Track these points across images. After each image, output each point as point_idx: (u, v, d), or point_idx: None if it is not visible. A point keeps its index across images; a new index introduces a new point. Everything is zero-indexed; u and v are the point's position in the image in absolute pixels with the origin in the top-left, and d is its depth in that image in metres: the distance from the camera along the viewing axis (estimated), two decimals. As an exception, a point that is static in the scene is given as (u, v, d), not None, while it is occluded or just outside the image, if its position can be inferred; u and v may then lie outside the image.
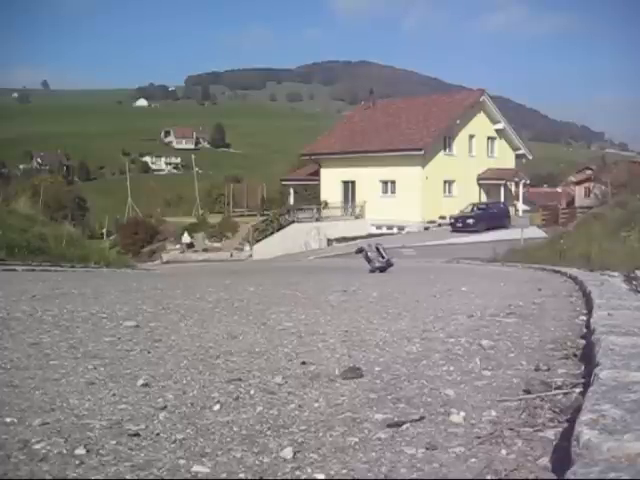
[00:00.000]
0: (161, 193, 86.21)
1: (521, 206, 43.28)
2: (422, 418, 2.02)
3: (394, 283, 7.93)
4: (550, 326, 3.81)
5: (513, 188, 42.92)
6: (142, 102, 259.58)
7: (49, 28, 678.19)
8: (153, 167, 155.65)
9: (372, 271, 10.88)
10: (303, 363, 2.83)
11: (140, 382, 2.47)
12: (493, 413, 2.06)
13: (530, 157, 46.44)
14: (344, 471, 1.62)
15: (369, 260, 11.23)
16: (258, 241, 35.52)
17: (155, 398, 2.27)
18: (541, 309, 4.70)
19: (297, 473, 1.61)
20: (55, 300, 5.12)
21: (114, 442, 1.80)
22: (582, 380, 2.36)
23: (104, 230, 60.14)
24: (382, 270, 10.89)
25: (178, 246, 39.47)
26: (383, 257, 11.14)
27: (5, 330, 3.60)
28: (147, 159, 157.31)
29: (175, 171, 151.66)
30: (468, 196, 39.31)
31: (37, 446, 1.75)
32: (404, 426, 1.95)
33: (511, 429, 1.89)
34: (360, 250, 12.18)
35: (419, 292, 6.40)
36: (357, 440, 1.84)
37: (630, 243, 11.08)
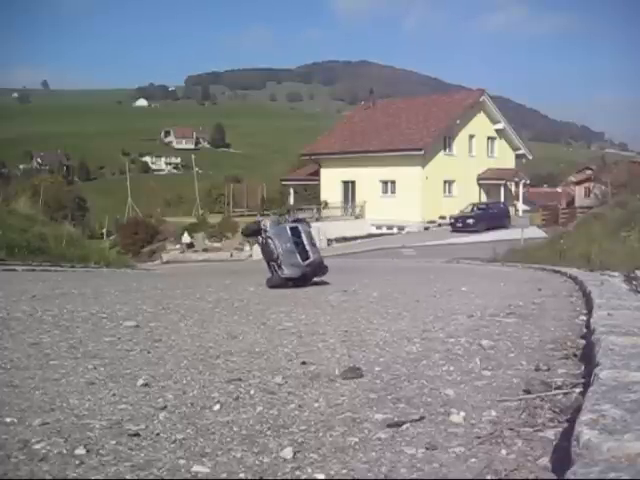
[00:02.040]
0: (161, 193, 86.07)
1: (521, 206, 43.31)
2: (422, 418, 2.02)
3: (394, 283, 7.92)
4: (550, 326, 3.80)
5: (513, 188, 42.95)
6: (142, 102, 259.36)
7: (49, 28, 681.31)
8: (153, 167, 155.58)
9: (275, 284, 6.06)
10: (303, 363, 2.83)
11: (140, 382, 2.47)
12: (493, 413, 2.06)
13: (530, 157, 46.48)
14: (344, 471, 1.62)
15: (271, 257, 6.25)
16: (258, 241, 35.41)
17: (155, 398, 2.27)
18: (541, 309, 4.69)
19: (297, 473, 1.61)
20: (55, 300, 5.12)
21: (114, 442, 1.80)
22: (582, 380, 2.36)
23: (104, 230, 60.07)
24: (299, 281, 6.18)
25: (178, 246, 39.43)
26: (307, 253, 6.37)
27: (5, 330, 3.60)
28: (147, 159, 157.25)
29: (175, 171, 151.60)
30: (468, 196, 39.33)
31: (37, 446, 1.75)
32: (404, 426, 1.94)
33: (511, 429, 1.89)
34: (254, 231, 6.58)
35: (419, 292, 6.39)
36: (357, 440, 1.84)
37: (630, 243, 11.07)
